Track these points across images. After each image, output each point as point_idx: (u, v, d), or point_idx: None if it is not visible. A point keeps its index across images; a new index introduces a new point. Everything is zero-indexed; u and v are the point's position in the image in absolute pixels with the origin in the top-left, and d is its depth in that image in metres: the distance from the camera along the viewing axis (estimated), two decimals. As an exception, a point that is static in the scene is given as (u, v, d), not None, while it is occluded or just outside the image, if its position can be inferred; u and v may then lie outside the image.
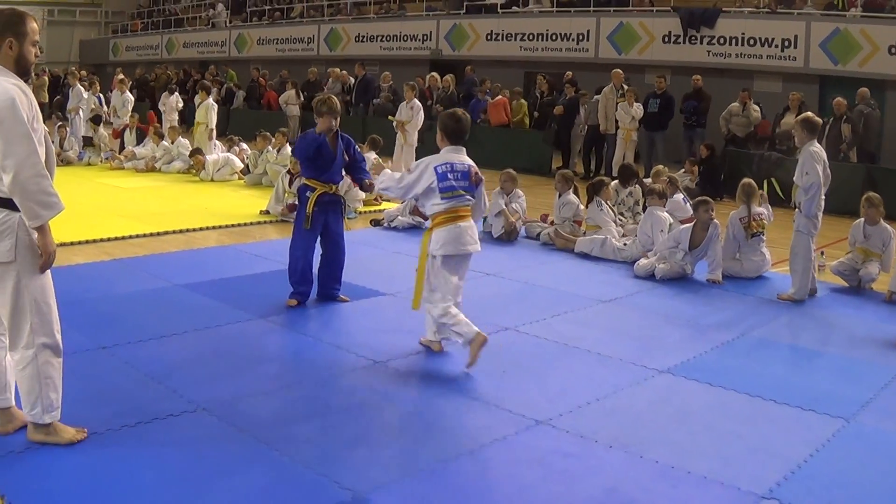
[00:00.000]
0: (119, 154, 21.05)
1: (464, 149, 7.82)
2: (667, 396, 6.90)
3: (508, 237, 12.88)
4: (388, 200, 15.71)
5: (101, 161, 20.90)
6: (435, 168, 7.57)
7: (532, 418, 6.30)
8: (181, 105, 23.14)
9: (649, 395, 6.93)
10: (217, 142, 20.97)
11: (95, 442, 5.66)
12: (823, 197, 9.94)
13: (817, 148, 9.88)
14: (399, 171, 16.93)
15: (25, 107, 5.19)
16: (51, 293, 5.53)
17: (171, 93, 23.36)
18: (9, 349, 5.50)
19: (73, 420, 5.72)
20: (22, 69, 5.36)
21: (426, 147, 19.02)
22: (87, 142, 21.17)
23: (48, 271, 5.51)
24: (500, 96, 22.94)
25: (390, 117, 21.50)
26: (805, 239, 9.97)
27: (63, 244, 9.62)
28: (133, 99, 23.74)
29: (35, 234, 5.35)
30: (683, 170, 17.70)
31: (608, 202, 12.66)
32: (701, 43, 22.43)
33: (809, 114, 10.55)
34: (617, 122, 19.77)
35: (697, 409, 6.66)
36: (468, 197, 7.65)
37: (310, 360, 7.48)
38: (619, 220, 12.83)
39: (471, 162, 7.78)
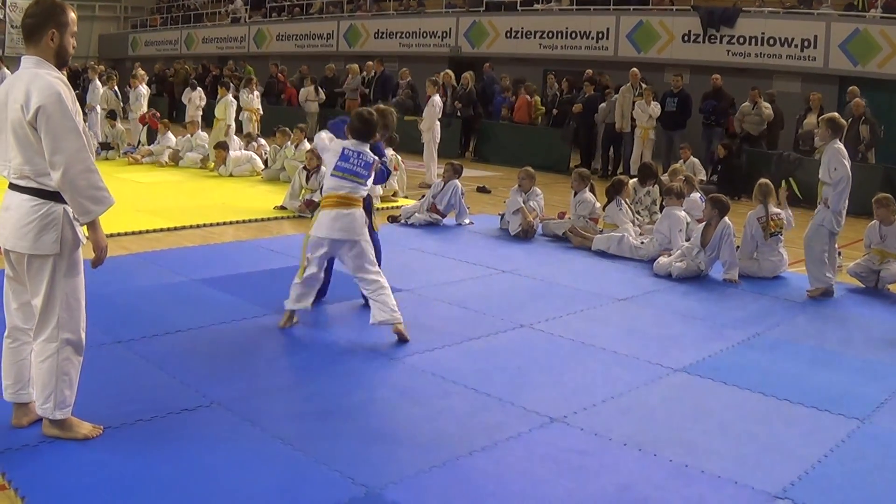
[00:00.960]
0: (138, 147, 21.18)
1: (367, 145, 8.11)
2: (682, 395, 6.91)
3: (525, 235, 12.88)
4: (406, 197, 15.80)
5: (120, 156, 20.95)
6: (343, 148, 7.98)
7: (547, 416, 6.30)
8: (203, 100, 23.11)
9: (664, 393, 6.93)
10: (236, 138, 21.00)
11: (110, 437, 5.68)
12: (848, 194, 9.98)
13: (840, 146, 9.95)
14: (432, 171, 16.96)
15: (70, 101, 5.21)
16: (82, 291, 5.55)
17: (194, 88, 23.36)
18: (33, 338, 5.49)
19: (87, 414, 5.75)
20: (62, 61, 5.37)
21: (444, 142, 19.11)
22: (105, 146, 21.09)
23: (82, 268, 5.53)
24: (524, 95, 22.99)
25: (407, 118, 21.53)
26: (823, 232, 10.00)
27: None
28: (147, 93, 23.69)
29: (79, 228, 5.39)
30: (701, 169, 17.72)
31: (627, 201, 12.66)
32: (720, 42, 22.40)
33: (835, 114, 10.57)
34: (634, 120, 19.78)
35: (712, 408, 6.66)
36: (362, 185, 8.02)
37: (325, 356, 7.48)
38: (637, 218, 12.82)
39: (374, 158, 8.14)
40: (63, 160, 5.09)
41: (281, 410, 6.27)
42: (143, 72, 25.04)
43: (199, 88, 23.49)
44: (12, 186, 5.30)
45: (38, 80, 5.14)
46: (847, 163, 9.85)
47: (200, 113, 22.62)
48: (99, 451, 5.48)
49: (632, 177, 15.29)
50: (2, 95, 5.29)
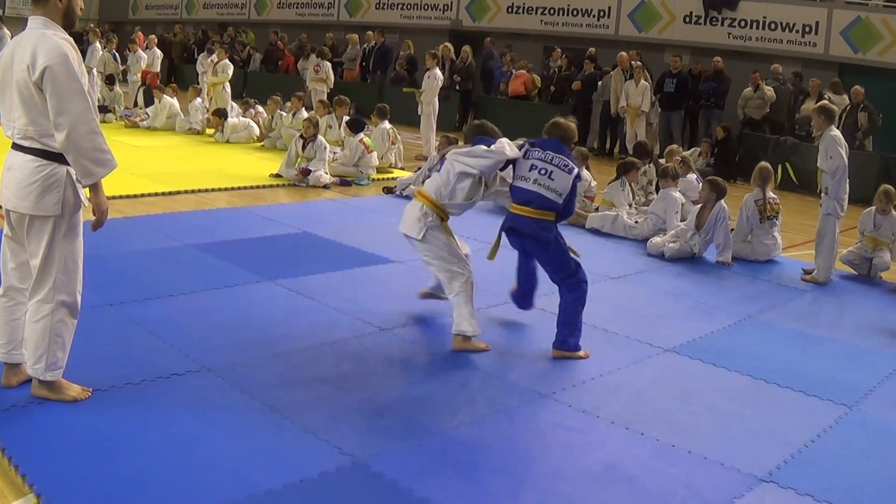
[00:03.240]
0: (134, 110, 21.16)
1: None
2: (670, 375, 6.93)
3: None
4: (402, 169, 15.80)
5: (117, 119, 20.90)
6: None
7: (535, 391, 6.32)
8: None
9: (653, 373, 6.95)
10: (234, 104, 20.96)
11: (99, 399, 5.69)
12: (847, 181, 10.01)
13: (837, 133, 9.97)
14: (430, 143, 16.88)
15: (76, 63, 5.20)
16: (80, 253, 5.55)
17: (210, 53, 23.17)
18: (28, 298, 5.49)
19: (76, 376, 5.75)
20: (69, 22, 5.36)
21: (442, 115, 19.05)
22: (102, 110, 20.97)
23: (81, 231, 5.53)
24: (522, 70, 22.95)
25: (405, 89, 21.50)
26: (832, 221, 10.04)
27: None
28: (145, 57, 23.52)
29: (81, 191, 5.38)
30: (697, 150, 17.71)
31: (632, 185, 12.65)
32: (722, 25, 22.29)
33: (826, 102, 10.59)
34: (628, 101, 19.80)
35: (700, 389, 6.68)
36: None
37: (316, 325, 7.47)
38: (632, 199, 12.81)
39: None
40: (68, 121, 5.08)
41: (271, 378, 6.27)
42: (153, 36, 24.95)
43: (215, 53, 23.26)
44: (16, 147, 5.30)
45: (46, 40, 5.13)
46: (843, 150, 9.86)
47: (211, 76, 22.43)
48: (87, 414, 5.48)
49: (629, 155, 15.30)
50: (7, 55, 5.28)
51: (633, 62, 20.24)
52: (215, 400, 5.87)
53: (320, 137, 14.40)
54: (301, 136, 14.48)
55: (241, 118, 19.42)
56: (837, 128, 10.36)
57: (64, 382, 5.63)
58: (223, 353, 6.63)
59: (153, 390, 5.92)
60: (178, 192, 12.56)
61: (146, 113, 20.51)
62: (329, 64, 23.09)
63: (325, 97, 20.54)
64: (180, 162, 15.82)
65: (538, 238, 7.05)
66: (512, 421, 5.87)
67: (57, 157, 5.25)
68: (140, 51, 23.47)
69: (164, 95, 20.36)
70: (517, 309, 8.00)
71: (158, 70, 23.54)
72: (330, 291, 8.43)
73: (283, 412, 5.71)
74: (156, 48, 24.12)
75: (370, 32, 26.49)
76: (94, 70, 22.16)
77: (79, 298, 5.56)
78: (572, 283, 7.10)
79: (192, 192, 12.76)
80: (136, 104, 22.08)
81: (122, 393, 5.82)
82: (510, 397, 6.21)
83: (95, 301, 7.34)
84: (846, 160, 9.87)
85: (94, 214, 5.42)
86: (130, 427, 5.36)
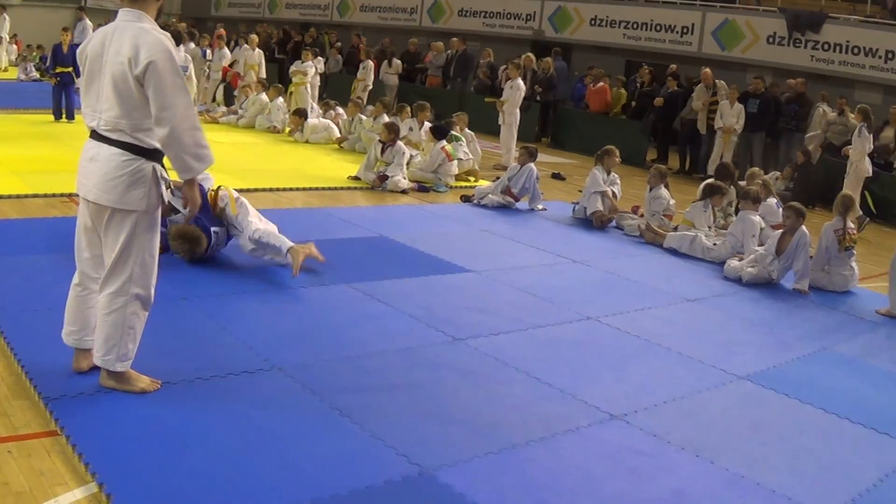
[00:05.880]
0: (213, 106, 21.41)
1: None
2: (743, 404, 6.82)
3: (601, 225, 12.83)
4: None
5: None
6: None
7: (607, 412, 6.26)
8: (320, 66, 23.07)
9: (726, 400, 6.85)
10: (315, 105, 21.07)
11: (168, 392, 5.73)
12: None
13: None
14: (510, 153, 16.84)
15: (176, 58, 5.27)
16: (157, 247, 5.60)
17: (316, 55, 23.25)
18: (99, 290, 5.52)
19: (146, 367, 5.80)
20: (157, 16, 5.43)
21: (521, 126, 19.02)
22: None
23: (159, 226, 5.60)
24: (602, 83, 22.84)
25: (486, 99, 21.47)
26: None
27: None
28: (229, 55, 23.70)
29: (164, 188, 5.43)
30: (777, 174, 17.52)
31: (716, 210, 12.54)
32: (805, 47, 22.06)
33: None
34: (711, 120, 19.58)
35: (772, 420, 6.57)
36: None
37: (389, 331, 7.47)
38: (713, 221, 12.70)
39: None
40: (171, 116, 5.13)
41: (341, 381, 6.27)
42: (254, 35, 25.07)
43: (319, 56, 23.32)
44: (101, 137, 5.33)
45: (146, 35, 5.17)
46: None
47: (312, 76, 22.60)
48: (154, 406, 5.53)
49: (708, 176, 15.19)
50: (96, 46, 5.32)
51: (717, 81, 20.02)
52: (285, 400, 5.89)
53: (399, 143, 14.41)
54: (380, 140, 14.49)
55: (321, 119, 19.51)
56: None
57: (133, 373, 5.67)
58: (295, 353, 6.65)
59: (223, 386, 5.96)
60: (257, 190, 12.60)
61: (236, 110, 20.75)
62: (371, 63, 23.63)
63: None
64: (259, 160, 15.94)
65: None
66: (582, 440, 5.82)
67: (145, 153, 5.30)
68: (225, 48, 23.66)
69: (255, 92, 20.61)
70: (588, 326, 7.94)
71: (261, 66, 23.66)
72: (404, 297, 8.42)
73: (352, 416, 5.70)
74: (257, 47, 24.18)
75: (454, 39, 26.49)
76: (191, 66, 22.42)
77: (153, 292, 5.61)
78: None
79: (270, 190, 12.84)
80: (213, 99, 22.27)
81: (192, 387, 5.87)
82: (581, 416, 6.15)
83: (170, 294, 7.41)
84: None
85: (185, 207, 5.48)
86: (198, 422, 5.39)
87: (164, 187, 5.45)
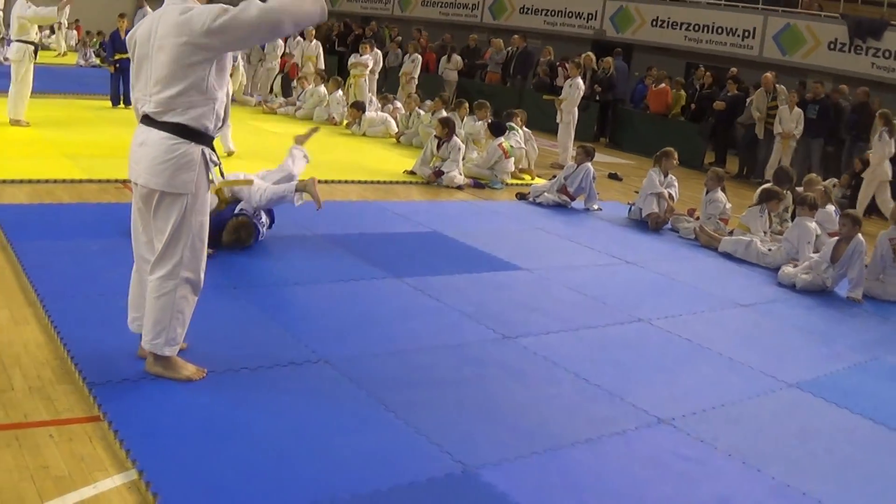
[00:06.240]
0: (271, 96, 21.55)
1: None
2: (792, 411, 6.74)
3: (656, 227, 12.77)
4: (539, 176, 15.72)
5: (255, 104, 21.26)
6: None
7: (654, 415, 6.22)
8: (380, 64, 23.12)
9: (775, 407, 6.77)
10: (373, 98, 21.11)
11: (213, 381, 5.76)
12: None
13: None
14: (567, 152, 16.75)
15: None
16: (206, 231, 5.63)
17: (372, 48, 23.18)
18: (149, 273, 5.55)
19: (192, 354, 5.87)
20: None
21: (582, 124, 18.96)
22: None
23: (208, 209, 5.65)
24: (663, 84, 22.72)
25: (545, 97, 21.40)
26: None
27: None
28: (282, 45, 23.44)
29: (212, 170, 5.51)
30: (835, 181, 17.33)
31: (772, 214, 12.42)
32: (866, 54, 21.82)
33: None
34: (769, 125, 19.38)
35: (820, 429, 6.49)
36: None
37: (439, 327, 7.47)
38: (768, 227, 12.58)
39: None
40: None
41: (388, 376, 6.27)
42: (311, 28, 25.07)
43: (377, 50, 23.34)
44: (150, 122, 5.37)
45: (194, 8, 5.24)
46: None
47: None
48: (199, 394, 5.56)
49: (765, 181, 15.06)
50: (144, 31, 5.39)
51: (777, 85, 19.83)
52: (330, 392, 5.90)
53: (455, 138, 14.38)
54: (436, 136, 14.49)
55: (378, 113, 19.54)
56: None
57: (179, 361, 5.71)
58: (343, 346, 6.66)
59: (269, 377, 5.98)
60: (312, 182, 12.63)
61: (294, 101, 20.89)
62: (419, 57, 23.84)
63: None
64: (316, 151, 15.84)
65: None
66: (629, 444, 5.77)
67: (194, 136, 5.35)
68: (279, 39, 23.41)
69: (312, 84, 20.70)
70: (639, 328, 7.92)
71: (319, 58, 23.70)
72: (456, 293, 8.41)
73: (397, 412, 5.70)
74: (314, 39, 24.18)
75: (515, 36, 26.44)
76: (239, 55, 22.48)
77: (202, 276, 5.65)
78: None
79: (326, 182, 12.85)
80: (271, 90, 22.35)
81: (238, 377, 5.89)
82: (629, 419, 6.11)
83: (220, 282, 7.48)
84: None
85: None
86: (241, 412, 5.41)
87: (213, 170, 5.51)
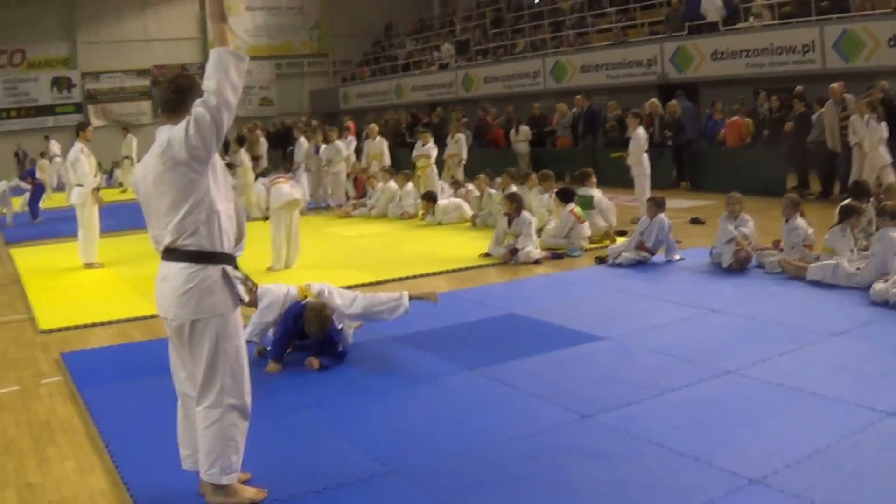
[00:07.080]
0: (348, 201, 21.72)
1: None
2: (893, 445, 6.28)
3: (740, 266, 12.37)
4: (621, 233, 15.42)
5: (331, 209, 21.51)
6: None
7: (745, 476, 5.83)
8: (435, 150, 22.98)
9: (874, 443, 6.31)
10: (444, 184, 21.07)
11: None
12: None
13: None
14: (643, 205, 16.49)
15: None
16: (244, 354, 5.62)
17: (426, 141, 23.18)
18: (196, 405, 5.56)
19: (256, 479, 5.85)
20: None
21: (659, 172, 18.66)
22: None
23: (242, 331, 5.66)
24: (736, 116, 22.33)
25: (612, 155, 21.12)
26: None
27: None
28: (344, 148, 23.14)
29: (239, 287, 5.45)
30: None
31: (855, 232, 11.93)
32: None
33: None
34: (845, 137, 18.78)
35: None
36: None
37: (512, 417, 7.20)
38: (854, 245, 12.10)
39: None
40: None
41: (459, 480, 6.02)
42: (374, 126, 25.16)
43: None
44: (169, 255, 5.39)
45: (169, 134, 5.30)
46: None
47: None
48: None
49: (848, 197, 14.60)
50: (140, 173, 5.55)
51: (845, 95, 19.29)
52: (401, 508, 5.68)
53: (525, 213, 14.19)
54: (506, 213, 14.29)
55: (451, 199, 19.49)
56: None
57: (238, 486, 5.68)
58: (411, 453, 6.48)
59: (335, 497, 5.81)
60: (385, 281, 12.61)
61: (364, 202, 21.22)
62: (463, 136, 23.63)
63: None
64: (390, 249, 15.93)
65: None
66: (718, 513, 5.43)
67: (208, 258, 5.34)
68: (337, 140, 23.14)
69: (382, 182, 20.85)
70: (726, 381, 7.64)
71: (384, 155, 23.73)
72: (531, 377, 8.15)
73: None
74: (378, 136, 24.22)
75: (578, 97, 26.31)
76: (303, 165, 22.66)
77: (248, 400, 5.63)
78: None
79: (399, 279, 12.73)
80: (347, 196, 22.47)
81: (301, 502, 5.75)
82: (717, 485, 5.74)
83: (291, 403, 7.56)
84: None
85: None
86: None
87: (240, 286, 5.46)
